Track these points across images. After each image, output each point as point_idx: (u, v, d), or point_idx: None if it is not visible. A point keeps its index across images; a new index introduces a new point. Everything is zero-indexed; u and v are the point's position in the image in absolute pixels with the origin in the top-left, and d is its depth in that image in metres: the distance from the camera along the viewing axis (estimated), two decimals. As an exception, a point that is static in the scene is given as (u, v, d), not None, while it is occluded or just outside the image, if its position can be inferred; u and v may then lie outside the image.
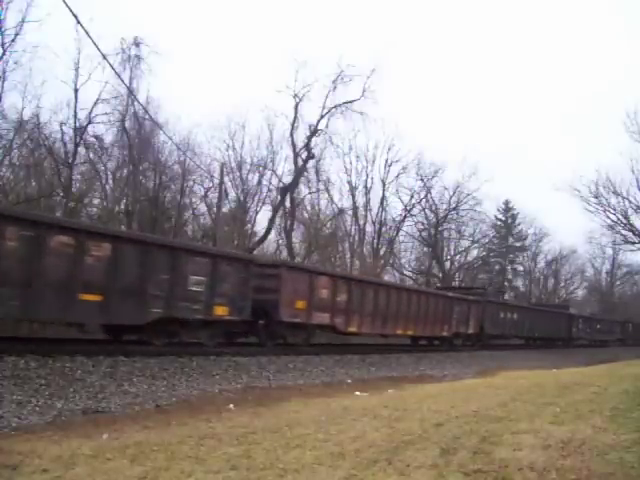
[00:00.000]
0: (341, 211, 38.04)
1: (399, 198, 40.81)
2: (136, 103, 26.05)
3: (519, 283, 56.07)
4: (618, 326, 47.02)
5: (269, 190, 34.13)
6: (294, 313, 15.15)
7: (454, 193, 42.08)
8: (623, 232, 39.48)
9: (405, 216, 41.19)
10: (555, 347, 34.30)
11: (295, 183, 33.92)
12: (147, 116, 26.21)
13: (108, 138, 27.32)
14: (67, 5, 12.33)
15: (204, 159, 31.52)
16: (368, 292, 18.15)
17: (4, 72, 22.06)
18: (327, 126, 34.44)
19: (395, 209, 41.29)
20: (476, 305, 25.57)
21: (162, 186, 28.69)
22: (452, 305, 23.40)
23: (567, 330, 36.07)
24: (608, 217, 38.51)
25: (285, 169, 34.54)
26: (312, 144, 33.92)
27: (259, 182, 33.79)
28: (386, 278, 36.65)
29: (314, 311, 15.74)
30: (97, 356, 10.52)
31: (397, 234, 41.43)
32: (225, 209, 31.52)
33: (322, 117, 33.74)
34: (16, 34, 21.28)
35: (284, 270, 15.22)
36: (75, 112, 25.05)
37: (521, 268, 55.55)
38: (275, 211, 33.38)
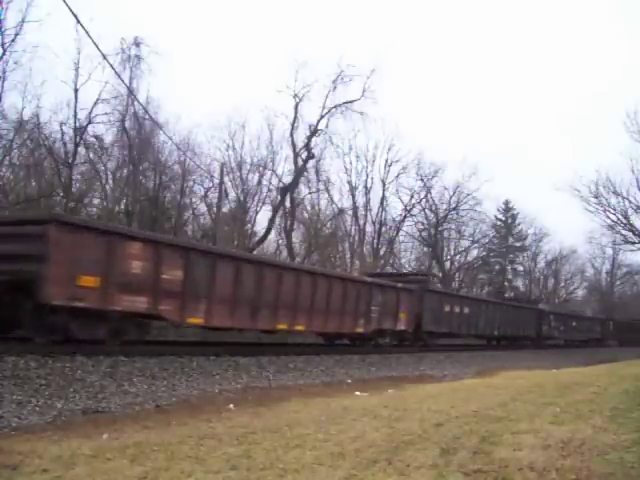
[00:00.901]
0: (341, 211, 38.09)
1: (399, 198, 40.92)
2: (136, 103, 26.11)
3: (519, 283, 56.13)
4: (597, 324, 44.00)
5: (269, 190, 34.22)
6: (74, 293, 10.02)
7: (454, 193, 42.17)
8: (623, 232, 39.55)
9: (405, 216, 41.28)
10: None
11: (295, 183, 33.94)
12: (147, 116, 26.25)
13: (108, 138, 27.41)
14: (67, 5, 12.35)
15: (204, 159, 31.61)
16: (224, 269, 12.96)
17: (4, 72, 22.13)
18: (327, 126, 34.56)
19: (395, 209, 41.41)
20: (408, 295, 20.18)
21: (162, 186, 28.71)
22: (371, 293, 18.06)
23: (536, 328, 32.32)
24: (608, 217, 38.59)
25: (285, 169, 34.65)
26: (312, 144, 34.02)
27: (259, 182, 33.88)
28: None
29: (118, 292, 10.75)
30: (97, 356, 10.51)
31: (397, 234, 41.51)
32: (225, 209, 31.57)
33: (322, 117, 33.85)
34: (16, 34, 21.37)
35: (54, 228, 9.77)
36: (75, 112, 25.13)
37: (521, 268, 55.64)
38: (275, 211, 33.40)
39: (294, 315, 15.00)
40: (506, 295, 45.46)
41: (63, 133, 25.64)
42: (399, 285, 19.91)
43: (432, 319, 22.04)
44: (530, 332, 31.77)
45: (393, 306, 19.28)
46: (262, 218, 34.16)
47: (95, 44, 15.96)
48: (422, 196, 41.22)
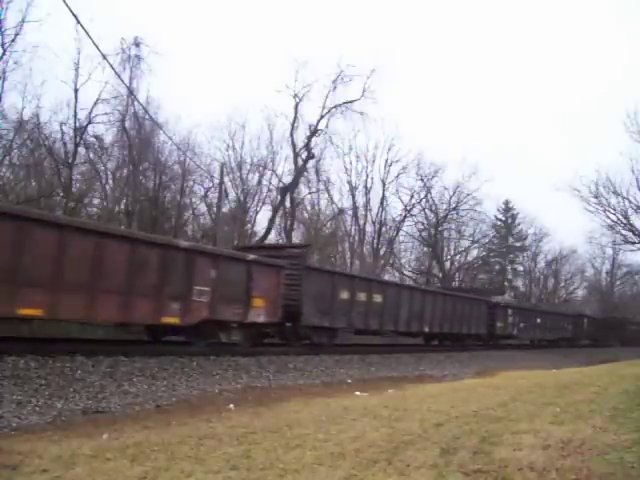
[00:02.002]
0: (341, 211, 38.09)
1: (399, 198, 40.90)
2: (136, 103, 26.08)
3: (519, 283, 56.11)
4: (569, 321, 38.21)
5: (269, 190, 34.21)
6: None
7: (454, 193, 42.16)
8: (623, 232, 39.49)
9: (405, 216, 41.25)
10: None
11: (295, 183, 33.94)
12: (147, 116, 26.24)
13: (108, 138, 27.38)
14: (67, 5, 12.33)
15: (204, 159, 31.60)
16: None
17: (4, 72, 22.10)
18: (327, 126, 34.54)
19: (395, 209, 41.39)
20: (270, 272, 14.43)
21: (162, 186, 28.71)
22: (194, 266, 12.43)
23: (487, 325, 26.75)
24: (608, 217, 38.54)
25: (285, 169, 34.64)
26: (312, 144, 34.00)
27: (259, 182, 33.87)
28: (386, 278, 34.82)
29: None
30: (97, 356, 10.52)
31: (397, 234, 41.48)
32: (225, 209, 31.57)
33: (322, 117, 33.84)
34: (16, 34, 21.33)
35: None
36: (75, 112, 25.09)
37: (521, 268, 55.60)
38: (275, 211, 33.40)
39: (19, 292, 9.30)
40: (454, 284, 41.09)
41: (63, 133, 25.64)
42: (251, 257, 14.09)
43: (318, 309, 15.98)
44: (480, 329, 26.12)
45: (240, 287, 13.54)
46: (262, 218, 34.21)
47: (95, 44, 15.97)
48: (422, 196, 41.26)
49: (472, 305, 25.61)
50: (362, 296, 17.91)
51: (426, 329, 22.05)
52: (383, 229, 39.95)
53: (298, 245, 23.53)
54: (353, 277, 19.18)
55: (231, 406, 8.92)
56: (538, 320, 33.16)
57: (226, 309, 13.27)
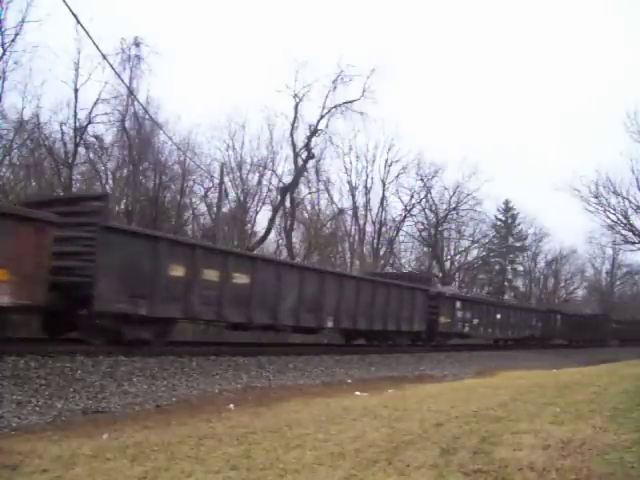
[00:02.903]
0: (341, 211, 38.12)
1: (399, 198, 40.95)
2: (136, 103, 26.11)
3: (519, 283, 56.14)
4: (538, 318, 33.00)
5: (269, 190, 34.23)
6: None
7: (454, 193, 42.20)
8: (623, 232, 39.57)
9: (405, 216, 41.30)
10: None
11: (295, 183, 33.96)
12: (147, 116, 26.25)
13: (108, 138, 27.42)
14: (67, 5, 12.33)
15: (204, 159, 31.63)
16: None
17: (4, 72, 22.15)
18: (327, 126, 34.59)
19: (395, 209, 41.43)
20: (18, 229, 9.16)
21: (162, 186, 28.73)
22: None
23: (428, 321, 21.36)
24: (608, 217, 38.62)
25: (285, 169, 34.67)
26: (312, 144, 34.04)
27: (259, 182, 33.90)
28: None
29: None
30: (97, 356, 10.52)
31: (397, 234, 41.53)
32: (225, 209, 31.58)
33: (322, 117, 33.88)
34: (16, 34, 21.39)
35: None
36: (75, 112, 25.13)
37: (521, 268, 55.61)
38: (275, 211, 33.41)
39: None
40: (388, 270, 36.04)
41: (63, 133, 25.68)
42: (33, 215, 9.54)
43: (126, 289, 11.11)
44: (415, 326, 20.68)
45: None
46: (262, 218, 34.24)
47: (95, 44, 15.96)
48: (422, 196, 41.31)
49: (403, 294, 19.77)
50: (211, 274, 12.85)
51: (329, 324, 16.70)
52: (383, 229, 40.03)
53: (95, 195, 15.59)
54: (194, 246, 13.10)
55: (231, 406, 8.92)
56: (498, 316, 27.81)
57: None
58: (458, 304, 24.07)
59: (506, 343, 29.83)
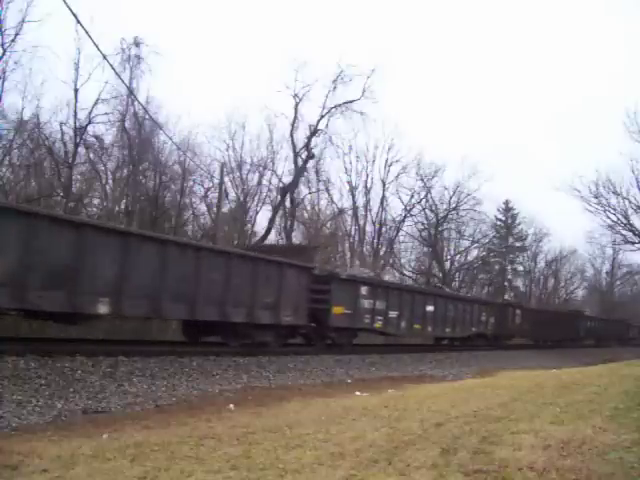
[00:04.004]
0: (341, 211, 38.13)
1: (399, 198, 40.97)
2: (136, 103, 26.10)
3: (519, 283, 56.13)
4: (489, 312, 26.90)
5: (269, 190, 34.23)
6: None
7: (454, 193, 42.21)
8: (623, 232, 39.50)
9: (405, 216, 41.32)
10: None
11: (295, 183, 33.96)
12: (147, 116, 26.23)
13: (108, 138, 27.42)
14: (67, 5, 12.32)
15: (204, 159, 31.60)
16: None
17: (4, 72, 22.19)
18: (327, 126, 34.59)
19: (395, 209, 41.42)
20: None
21: (162, 186, 28.73)
22: None
23: (309, 310, 15.85)
24: (608, 217, 38.54)
25: (285, 169, 34.66)
26: (312, 144, 34.05)
27: (259, 182, 33.88)
28: (386, 278, 32.90)
29: None
30: (97, 356, 10.52)
31: (397, 234, 41.54)
32: (225, 209, 31.57)
33: (322, 117, 33.88)
34: (16, 34, 21.43)
35: None
36: (75, 112, 25.14)
37: (521, 268, 55.57)
38: (275, 211, 33.40)
39: None
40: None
41: (63, 133, 25.68)
42: None
43: None
44: (288, 317, 15.08)
45: None
46: (262, 218, 34.22)
47: (95, 44, 15.96)
48: (422, 196, 41.32)
49: (261, 271, 14.11)
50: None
51: (100, 308, 10.73)
52: (383, 229, 40.05)
53: None
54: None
55: (231, 406, 8.91)
56: (429, 308, 21.56)
57: None
58: (364, 290, 18.09)
59: (452, 344, 24.83)
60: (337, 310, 16.79)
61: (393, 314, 19.48)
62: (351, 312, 17.36)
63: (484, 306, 27.22)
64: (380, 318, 18.81)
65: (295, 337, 16.82)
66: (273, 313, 14.57)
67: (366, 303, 18.13)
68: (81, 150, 26.04)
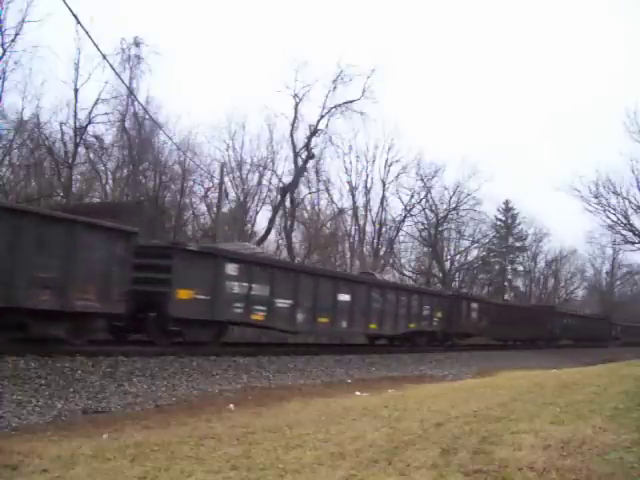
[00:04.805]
0: (341, 211, 38.10)
1: (399, 198, 40.92)
2: (136, 103, 26.14)
3: (519, 283, 56.12)
4: (436, 305, 22.52)
5: (269, 190, 34.19)
6: None
7: (454, 193, 42.17)
8: (623, 232, 39.45)
9: (405, 216, 41.28)
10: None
11: (295, 183, 33.94)
12: (147, 116, 26.24)
13: (108, 138, 27.45)
14: (67, 5, 12.33)
15: (204, 159, 31.57)
16: None
17: (4, 72, 22.22)
18: (327, 126, 34.55)
19: (395, 209, 41.37)
20: None
21: (162, 186, 28.73)
22: None
23: (134, 294, 11.41)
24: (608, 217, 38.50)
25: (285, 169, 34.62)
26: (312, 144, 34.02)
27: (259, 182, 33.84)
28: (386, 278, 32.58)
29: None
30: (97, 356, 10.52)
31: (397, 234, 41.50)
32: (225, 209, 31.55)
33: (322, 117, 33.85)
34: (16, 34, 21.46)
35: None
36: (75, 112, 25.16)
37: (521, 268, 55.53)
38: (275, 211, 33.39)
39: None
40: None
41: (63, 133, 25.71)
42: None
43: None
44: (97, 303, 10.78)
45: None
46: (262, 218, 34.18)
47: (95, 44, 16.01)
48: (422, 196, 41.27)
49: (49, 236, 9.96)
50: None
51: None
52: (383, 229, 40.01)
53: None
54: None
55: (231, 406, 8.91)
56: (344, 298, 17.15)
57: None
58: (231, 268, 13.63)
59: (392, 344, 21.11)
60: (183, 294, 12.33)
61: (283, 303, 15.02)
62: (209, 298, 12.94)
63: (428, 298, 22.43)
64: (261, 308, 14.40)
65: (129, 332, 13.08)
66: (57, 294, 10.05)
67: (236, 287, 13.67)
68: (81, 150, 26.11)
